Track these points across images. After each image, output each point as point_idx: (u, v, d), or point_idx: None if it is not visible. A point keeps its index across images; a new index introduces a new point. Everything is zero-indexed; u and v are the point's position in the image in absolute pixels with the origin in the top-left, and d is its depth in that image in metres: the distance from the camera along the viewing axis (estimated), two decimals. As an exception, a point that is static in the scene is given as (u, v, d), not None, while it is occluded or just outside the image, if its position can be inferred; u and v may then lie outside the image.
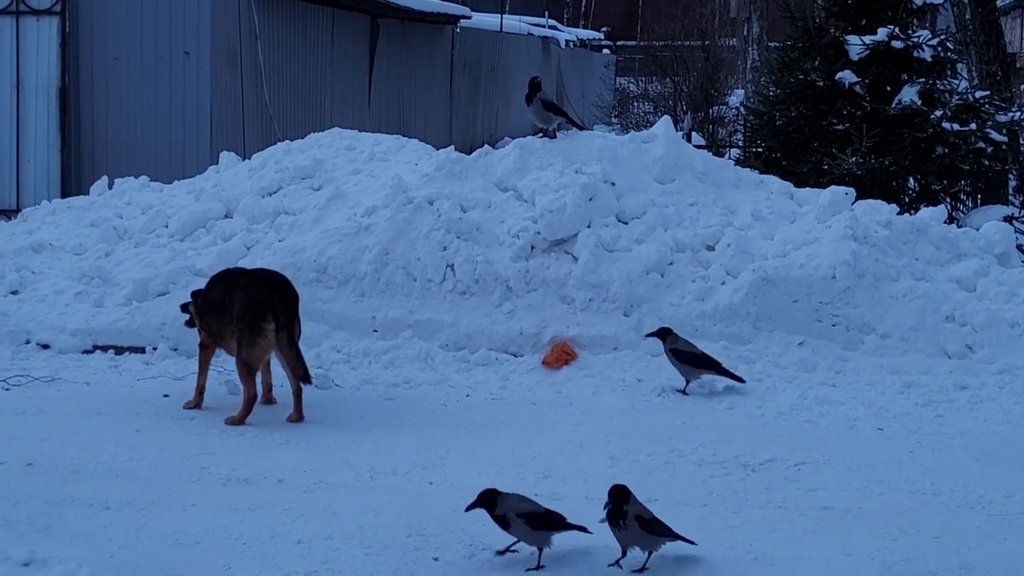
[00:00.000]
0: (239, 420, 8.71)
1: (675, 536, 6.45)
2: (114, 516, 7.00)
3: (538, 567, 6.44)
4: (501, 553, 6.55)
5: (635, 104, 36.17)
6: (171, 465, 7.88)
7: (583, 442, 8.46)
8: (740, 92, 33.96)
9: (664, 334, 9.76)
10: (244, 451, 8.18)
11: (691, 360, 9.63)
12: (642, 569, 6.40)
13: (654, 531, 6.40)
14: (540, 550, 6.49)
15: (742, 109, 30.91)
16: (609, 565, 6.44)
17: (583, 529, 6.58)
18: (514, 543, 6.57)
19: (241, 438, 8.47)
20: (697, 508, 7.28)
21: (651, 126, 13.16)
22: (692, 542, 6.50)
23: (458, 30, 28.63)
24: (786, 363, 10.18)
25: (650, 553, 6.45)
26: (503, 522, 6.47)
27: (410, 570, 6.35)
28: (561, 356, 10.18)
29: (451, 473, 7.77)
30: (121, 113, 16.71)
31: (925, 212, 12.07)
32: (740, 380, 9.71)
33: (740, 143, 26.62)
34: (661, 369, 10.04)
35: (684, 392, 9.63)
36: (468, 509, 6.53)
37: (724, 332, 10.44)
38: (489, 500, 6.49)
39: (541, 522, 6.47)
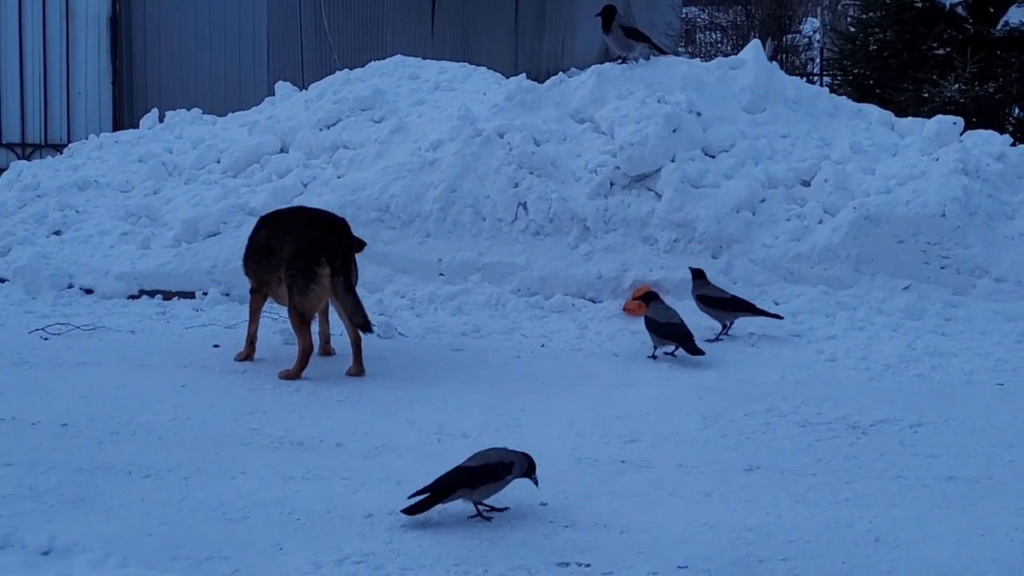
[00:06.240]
0: (294, 374, 8.19)
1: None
2: (154, 485, 6.42)
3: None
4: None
5: (703, 34, 35.60)
6: (219, 426, 7.31)
7: (672, 399, 7.88)
8: (814, 20, 33.19)
9: (698, 275, 9.37)
10: (299, 409, 7.62)
11: (721, 305, 9.20)
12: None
13: None
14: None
15: (818, 37, 30.24)
16: None
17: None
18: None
19: (296, 394, 7.92)
20: (805, 477, 6.63)
21: (720, 56, 12.57)
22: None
23: (524, -44, 27.99)
24: (890, 309, 9.63)
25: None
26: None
27: (484, 553, 5.63)
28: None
29: (527, 436, 7.09)
30: (174, 42, 16.26)
31: (1040, 143, 11.39)
32: (778, 317, 9.26)
33: (815, 72, 25.91)
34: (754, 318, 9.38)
35: (719, 338, 9.19)
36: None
37: (822, 275, 9.95)
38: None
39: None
